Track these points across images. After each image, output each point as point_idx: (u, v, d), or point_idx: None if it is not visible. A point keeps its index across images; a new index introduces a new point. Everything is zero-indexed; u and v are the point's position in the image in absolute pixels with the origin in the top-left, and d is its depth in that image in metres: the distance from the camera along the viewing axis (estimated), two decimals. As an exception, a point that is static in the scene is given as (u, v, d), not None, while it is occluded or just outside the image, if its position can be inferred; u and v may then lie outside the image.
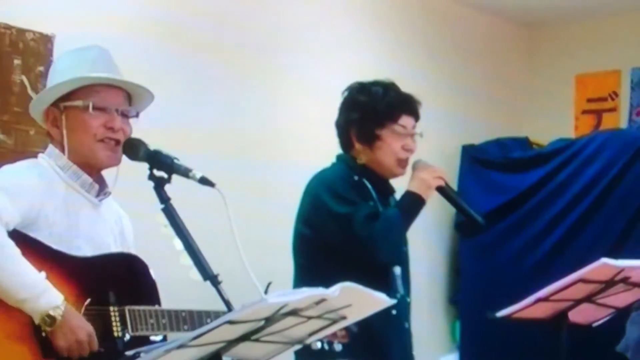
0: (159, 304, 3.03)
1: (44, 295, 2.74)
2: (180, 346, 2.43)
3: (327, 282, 2.55)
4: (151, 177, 2.88)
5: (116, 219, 3.18)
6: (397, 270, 3.69)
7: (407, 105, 3.73)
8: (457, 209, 3.83)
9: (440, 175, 3.67)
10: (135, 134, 3.04)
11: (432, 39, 6.18)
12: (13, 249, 2.75)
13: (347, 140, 3.75)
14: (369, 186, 3.70)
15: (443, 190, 3.70)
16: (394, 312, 3.48)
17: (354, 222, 3.52)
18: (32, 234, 2.84)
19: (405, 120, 3.70)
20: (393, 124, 3.67)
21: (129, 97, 3.10)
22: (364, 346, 3.51)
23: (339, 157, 3.80)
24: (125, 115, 3.05)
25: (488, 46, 6.56)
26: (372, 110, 3.68)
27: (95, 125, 2.99)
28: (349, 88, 3.80)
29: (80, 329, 2.79)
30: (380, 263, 3.62)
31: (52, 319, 2.74)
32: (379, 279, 3.50)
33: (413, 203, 3.62)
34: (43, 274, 2.78)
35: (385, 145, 3.67)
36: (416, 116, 3.75)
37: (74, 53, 3.12)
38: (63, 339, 2.76)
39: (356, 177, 3.69)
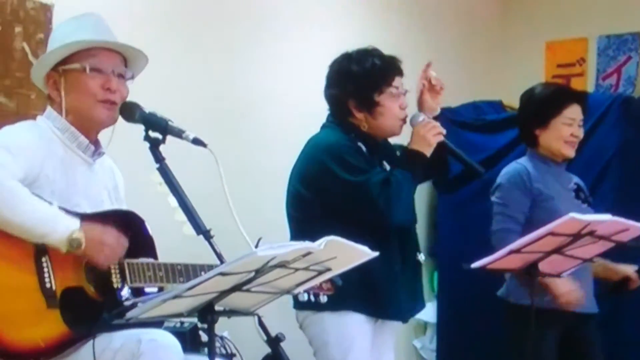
0: (156, 257, 3.03)
1: (61, 223, 2.75)
2: (176, 296, 2.44)
3: (315, 234, 2.57)
4: (147, 138, 2.88)
5: (109, 175, 3.18)
6: None
7: (396, 66, 3.70)
8: (457, 160, 3.75)
9: (439, 131, 3.64)
10: (131, 98, 3.02)
11: (409, 5, 6.15)
12: (23, 189, 2.75)
13: (344, 111, 3.68)
14: (364, 149, 3.66)
15: (443, 145, 3.66)
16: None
17: (369, 190, 3.47)
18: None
19: (397, 81, 3.68)
20: (388, 87, 3.64)
21: (125, 61, 3.09)
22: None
23: (333, 123, 3.72)
24: (121, 77, 3.05)
25: (463, 14, 6.53)
26: (367, 78, 3.64)
27: (94, 86, 2.99)
28: (336, 61, 3.74)
29: (106, 235, 2.82)
30: (395, 226, 3.59)
31: (77, 241, 2.75)
32: (378, 239, 3.41)
33: (417, 161, 3.59)
34: (55, 204, 2.79)
35: (386, 110, 3.64)
36: (402, 74, 3.73)
37: (71, 21, 3.12)
38: (97, 254, 2.80)
39: (359, 143, 3.65)
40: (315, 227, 3.29)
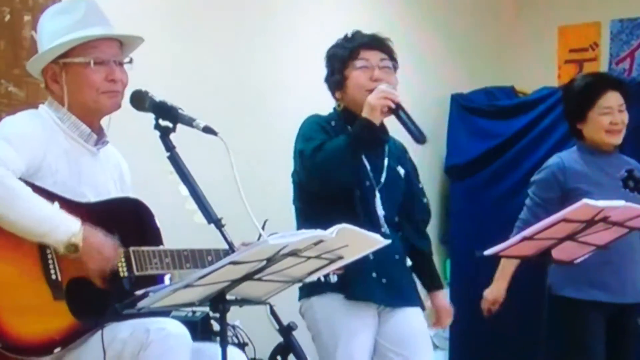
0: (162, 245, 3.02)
1: (62, 225, 2.74)
2: (187, 286, 2.44)
3: (317, 224, 2.56)
4: (157, 126, 2.86)
5: (114, 164, 3.17)
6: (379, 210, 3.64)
7: (367, 41, 3.69)
8: (401, 123, 3.54)
9: (386, 95, 3.50)
10: (141, 86, 3.01)
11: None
12: (24, 189, 2.74)
13: (333, 95, 3.73)
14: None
15: (393, 111, 3.52)
16: None
17: (304, 156, 3.49)
18: (38, 183, 2.82)
19: (366, 54, 3.65)
20: (353, 60, 3.64)
21: (120, 44, 3.07)
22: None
23: (333, 109, 3.76)
24: (121, 64, 3.03)
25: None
26: (337, 57, 3.68)
27: (98, 79, 2.97)
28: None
29: (104, 246, 2.80)
30: (336, 190, 3.52)
31: (75, 246, 2.74)
32: (361, 218, 3.48)
33: (361, 126, 3.49)
34: (56, 205, 2.77)
35: (351, 82, 3.63)
36: (381, 49, 3.68)
37: (62, 8, 3.06)
38: (92, 262, 2.78)
39: (333, 123, 3.65)
40: (314, 214, 3.29)
